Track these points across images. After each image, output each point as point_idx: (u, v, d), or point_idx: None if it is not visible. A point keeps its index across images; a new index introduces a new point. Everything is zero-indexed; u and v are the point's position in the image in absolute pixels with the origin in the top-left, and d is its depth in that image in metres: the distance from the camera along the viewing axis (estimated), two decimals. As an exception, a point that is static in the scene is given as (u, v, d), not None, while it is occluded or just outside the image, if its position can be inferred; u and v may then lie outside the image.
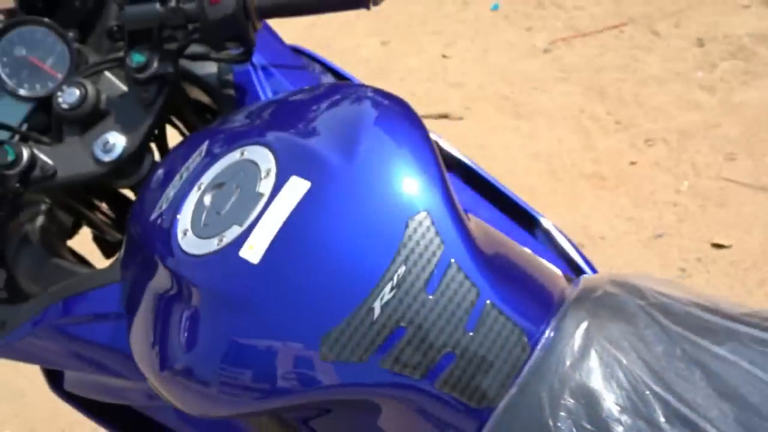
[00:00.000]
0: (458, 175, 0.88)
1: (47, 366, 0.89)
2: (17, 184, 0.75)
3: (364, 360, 0.55)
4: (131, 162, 0.79)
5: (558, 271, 0.68)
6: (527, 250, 0.69)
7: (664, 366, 0.50)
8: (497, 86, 2.52)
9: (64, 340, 0.77)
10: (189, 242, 0.63)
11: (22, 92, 0.84)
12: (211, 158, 0.68)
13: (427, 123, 0.65)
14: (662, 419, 0.48)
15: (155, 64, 0.76)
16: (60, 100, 0.79)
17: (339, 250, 0.56)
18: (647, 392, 0.49)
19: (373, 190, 0.58)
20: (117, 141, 0.78)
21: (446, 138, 0.87)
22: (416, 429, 0.59)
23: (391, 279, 0.55)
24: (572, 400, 0.51)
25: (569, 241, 0.86)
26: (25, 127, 0.83)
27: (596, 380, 0.51)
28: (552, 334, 0.55)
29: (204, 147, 0.70)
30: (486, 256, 0.58)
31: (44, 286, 0.80)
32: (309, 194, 0.59)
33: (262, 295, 0.57)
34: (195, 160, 0.69)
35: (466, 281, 0.55)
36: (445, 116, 2.42)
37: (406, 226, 0.56)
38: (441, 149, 0.87)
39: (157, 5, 0.74)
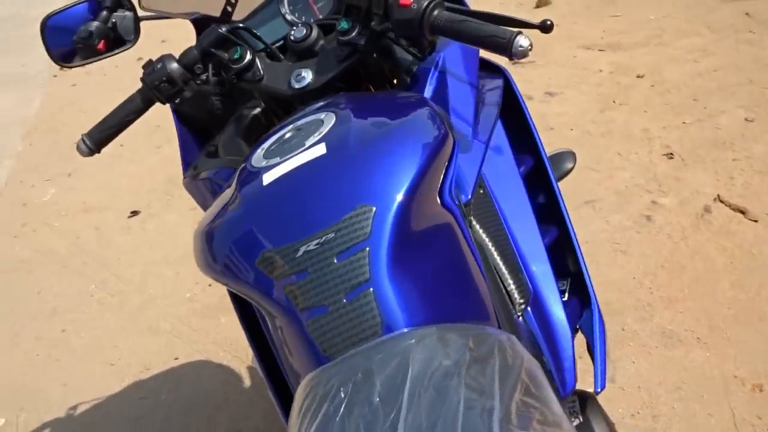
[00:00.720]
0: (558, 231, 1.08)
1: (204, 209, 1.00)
2: (233, 76, 0.96)
3: (277, 279, 0.68)
4: (311, 95, 0.93)
5: (487, 313, 0.75)
6: (478, 283, 0.76)
7: (425, 385, 0.57)
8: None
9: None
10: (257, 157, 0.79)
11: (288, 17, 1.04)
12: (314, 111, 0.83)
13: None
14: (390, 420, 0.54)
15: (353, 34, 0.91)
16: (292, 32, 0.96)
17: (303, 203, 0.70)
18: (399, 398, 0.56)
19: (353, 175, 0.70)
20: (307, 77, 0.92)
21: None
22: (290, 345, 0.72)
23: (320, 238, 0.67)
24: (361, 377, 0.59)
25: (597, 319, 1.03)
26: (278, 45, 1.00)
27: (380, 373, 0.59)
28: (398, 335, 0.63)
29: (322, 102, 0.86)
30: (399, 262, 0.67)
31: (227, 154, 1.00)
32: (319, 158, 0.72)
33: (252, 207, 0.73)
34: (310, 108, 0.86)
35: (365, 267, 0.66)
36: (709, 211, 2.54)
37: (353, 209, 0.67)
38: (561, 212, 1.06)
39: None
